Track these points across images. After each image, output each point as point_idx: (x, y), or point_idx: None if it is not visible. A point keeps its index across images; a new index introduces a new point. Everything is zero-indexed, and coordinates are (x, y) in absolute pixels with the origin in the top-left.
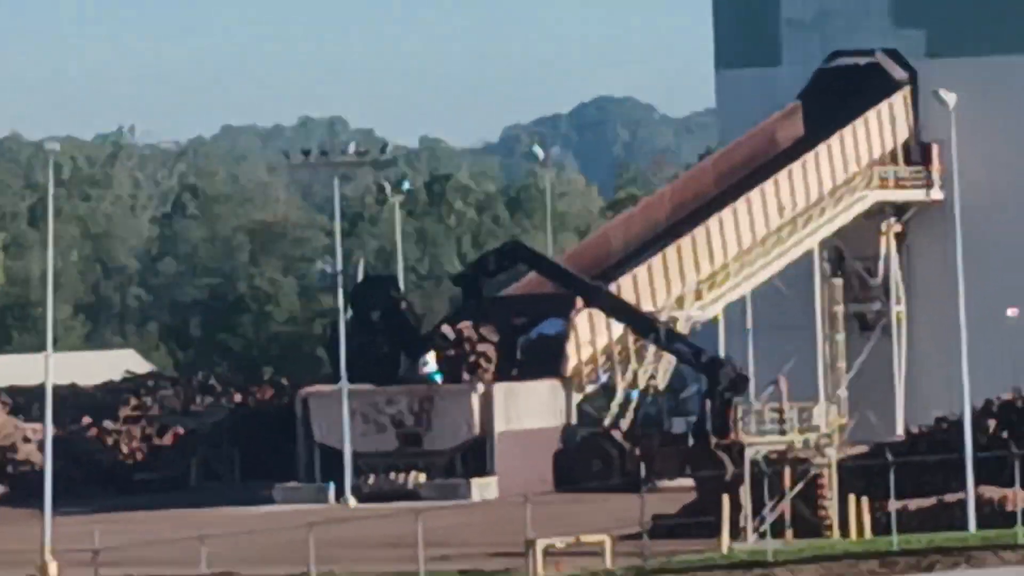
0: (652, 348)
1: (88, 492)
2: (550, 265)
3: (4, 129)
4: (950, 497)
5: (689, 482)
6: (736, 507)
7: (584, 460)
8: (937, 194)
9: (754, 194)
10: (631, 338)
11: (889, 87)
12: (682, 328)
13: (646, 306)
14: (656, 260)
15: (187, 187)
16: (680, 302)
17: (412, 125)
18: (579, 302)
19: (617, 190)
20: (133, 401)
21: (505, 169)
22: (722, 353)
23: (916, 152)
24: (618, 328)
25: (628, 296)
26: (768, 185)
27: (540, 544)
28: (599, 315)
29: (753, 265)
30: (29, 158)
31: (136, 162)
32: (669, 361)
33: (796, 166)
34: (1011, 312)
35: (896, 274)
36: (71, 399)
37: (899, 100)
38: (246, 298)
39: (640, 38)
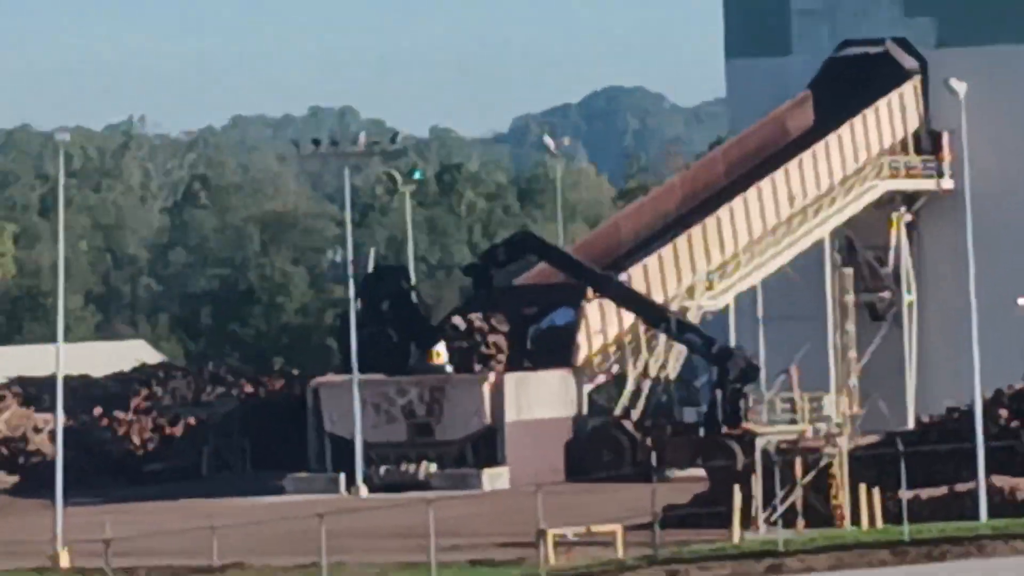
0: (663, 338)
1: (99, 482)
2: (560, 255)
3: (15, 120)
4: (961, 486)
5: (700, 472)
6: (747, 497)
7: (595, 450)
8: (948, 183)
9: (764, 183)
10: (642, 328)
11: (899, 76)
12: (693, 318)
13: (657, 296)
14: (667, 250)
15: (197, 177)
16: (691, 292)
17: (422, 115)
18: (590, 292)
19: (627, 180)
20: (144, 392)
21: (515, 159)
22: (733, 343)
23: (926, 141)
24: (629, 318)
25: (639, 286)
26: (778, 174)
27: (551, 534)
28: (610, 305)
29: (764, 255)
30: (40, 149)
31: (146, 152)
32: (680, 351)
33: (806, 155)
34: (1022, 301)
35: (907, 263)
36: (82, 390)
37: (909, 89)
38: (256, 288)
39: (650, 27)
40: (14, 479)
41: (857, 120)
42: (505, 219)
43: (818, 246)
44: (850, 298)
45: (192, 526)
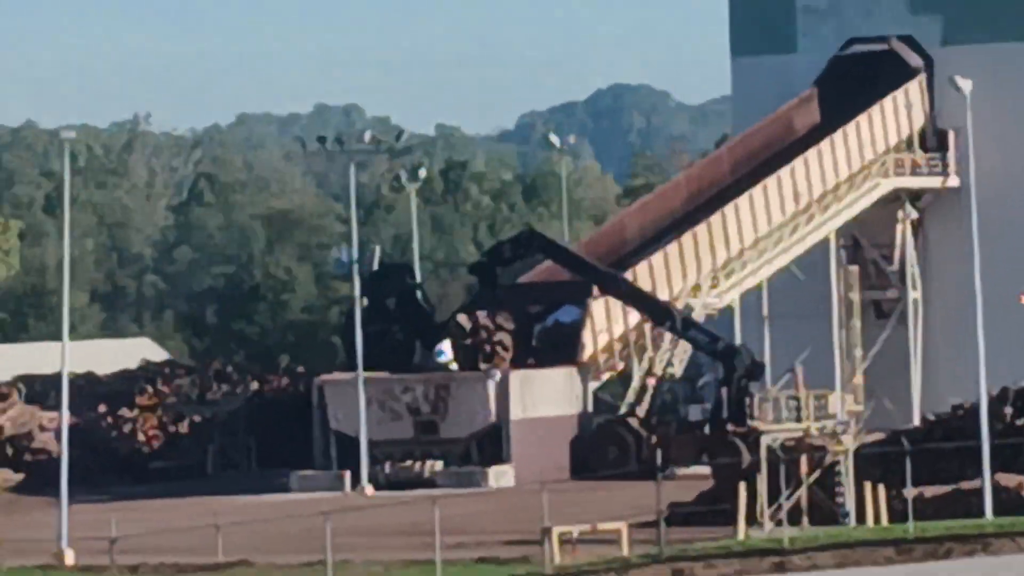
0: (668, 336)
1: (104, 480)
2: (566, 253)
3: (20, 118)
4: (966, 484)
5: (705, 470)
6: (752, 495)
7: (600, 448)
8: (953, 181)
9: (770, 181)
10: (647, 326)
11: (905, 74)
12: (698, 315)
13: (662, 294)
14: (672, 247)
15: (203, 175)
16: (696, 290)
17: (428, 113)
18: (595, 290)
19: (633, 177)
20: (149, 389)
21: (521, 157)
22: (738, 340)
23: (932, 139)
24: (634, 316)
25: (644, 284)
26: (784, 172)
27: (556, 532)
28: (615, 303)
29: (769, 252)
30: (45, 147)
31: (152, 150)
32: (685, 349)
33: (812, 153)
34: None
35: (912, 261)
36: (87, 387)
37: (915, 87)
38: (262, 286)
39: (656, 26)
40: (19, 477)
41: (862, 118)
42: (510, 217)
43: (823, 244)
44: (855, 296)
45: (197, 524)
